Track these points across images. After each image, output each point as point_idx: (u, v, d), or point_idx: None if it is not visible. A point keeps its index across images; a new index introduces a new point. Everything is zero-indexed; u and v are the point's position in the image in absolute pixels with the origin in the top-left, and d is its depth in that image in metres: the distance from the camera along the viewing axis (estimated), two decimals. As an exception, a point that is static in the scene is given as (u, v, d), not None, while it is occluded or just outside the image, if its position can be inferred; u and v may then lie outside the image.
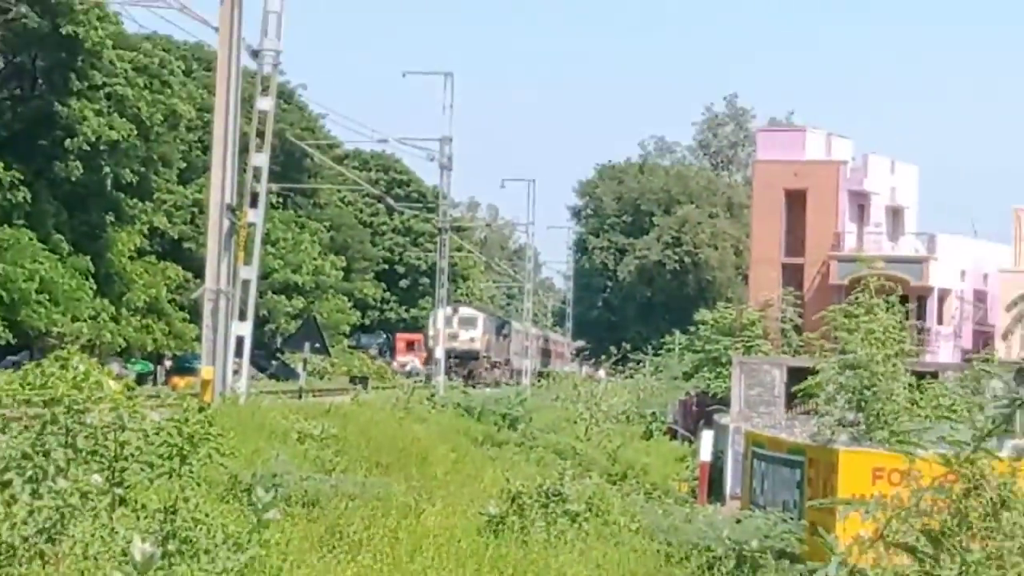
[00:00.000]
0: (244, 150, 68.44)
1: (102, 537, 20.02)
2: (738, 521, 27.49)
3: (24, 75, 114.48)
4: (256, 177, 67.65)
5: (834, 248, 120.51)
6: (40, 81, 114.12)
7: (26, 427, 24.81)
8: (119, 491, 23.10)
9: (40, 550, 20.30)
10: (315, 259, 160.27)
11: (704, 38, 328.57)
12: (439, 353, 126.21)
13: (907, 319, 54.28)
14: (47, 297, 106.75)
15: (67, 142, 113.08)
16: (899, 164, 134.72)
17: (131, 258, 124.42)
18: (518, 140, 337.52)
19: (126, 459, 23.64)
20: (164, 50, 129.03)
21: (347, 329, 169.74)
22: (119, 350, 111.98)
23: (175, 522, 22.04)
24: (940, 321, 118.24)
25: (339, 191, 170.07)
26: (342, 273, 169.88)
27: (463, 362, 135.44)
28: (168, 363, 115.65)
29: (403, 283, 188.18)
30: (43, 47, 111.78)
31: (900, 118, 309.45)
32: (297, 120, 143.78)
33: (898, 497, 22.96)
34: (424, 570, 20.22)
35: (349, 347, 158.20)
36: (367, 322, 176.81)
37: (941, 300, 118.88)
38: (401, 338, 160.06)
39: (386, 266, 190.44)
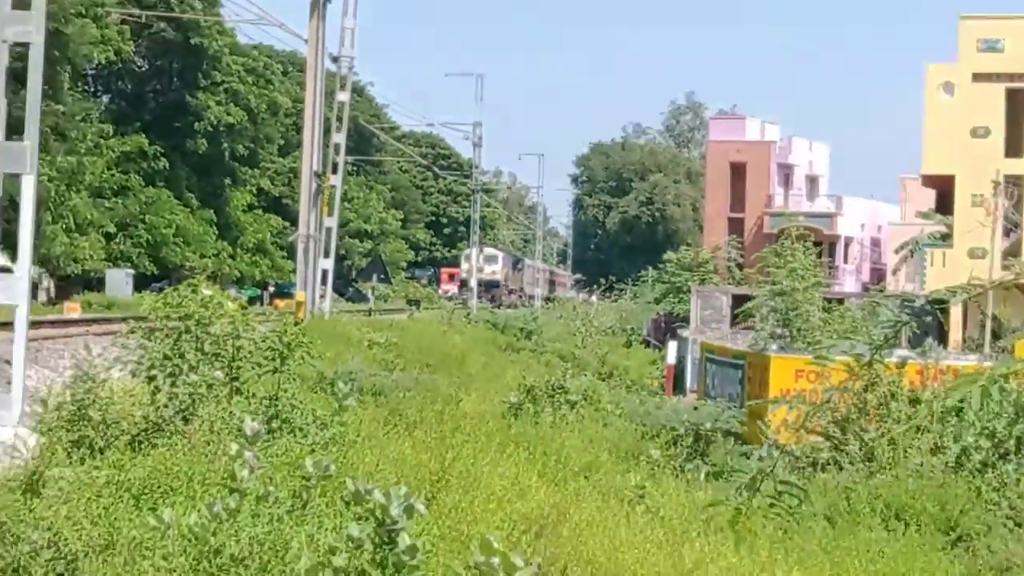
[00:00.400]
0: (327, 131, 68.53)
1: (222, 417, 20.06)
2: (695, 408, 27.51)
3: (163, 74, 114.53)
4: (336, 151, 68.00)
5: (766, 206, 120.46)
6: (175, 79, 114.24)
7: (166, 335, 24.80)
8: (235, 383, 23.20)
9: (177, 427, 20.43)
10: (380, 212, 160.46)
11: (670, 46, 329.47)
12: (472, 283, 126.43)
13: (820, 259, 54.13)
14: (181, 240, 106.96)
15: (195, 125, 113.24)
16: (815, 143, 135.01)
17: (244, 211, 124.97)
18: (532, 122, 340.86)
19: (240, 360, 23.69)
20: (267, 56, 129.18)
21: (404, 264, 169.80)
22: (235, 279, 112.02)
23: (277, 407, 22.12)
24: (845, 261, 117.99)
25: (398, 162, 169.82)
26: (400, 223, 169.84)
27: (487, 289, 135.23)
28: (272, 289, 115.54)
29: (446, 231, 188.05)
30: (177, 53, 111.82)
31: (818, 105, 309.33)
32: (366, 109, 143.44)
33: (814, 392, 22.98)
34: (462, 443, 20.20)
35: (406, 278, 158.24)
36: (419, 259, 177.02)
37: (846, 245, 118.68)
38: (444, 271, 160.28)
39: (433, 218, 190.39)
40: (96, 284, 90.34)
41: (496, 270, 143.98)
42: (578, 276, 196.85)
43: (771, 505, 18.87)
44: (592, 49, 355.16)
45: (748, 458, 21.28)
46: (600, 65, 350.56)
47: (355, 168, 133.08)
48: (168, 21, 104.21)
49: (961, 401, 20.33)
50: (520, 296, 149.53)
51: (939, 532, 16.96)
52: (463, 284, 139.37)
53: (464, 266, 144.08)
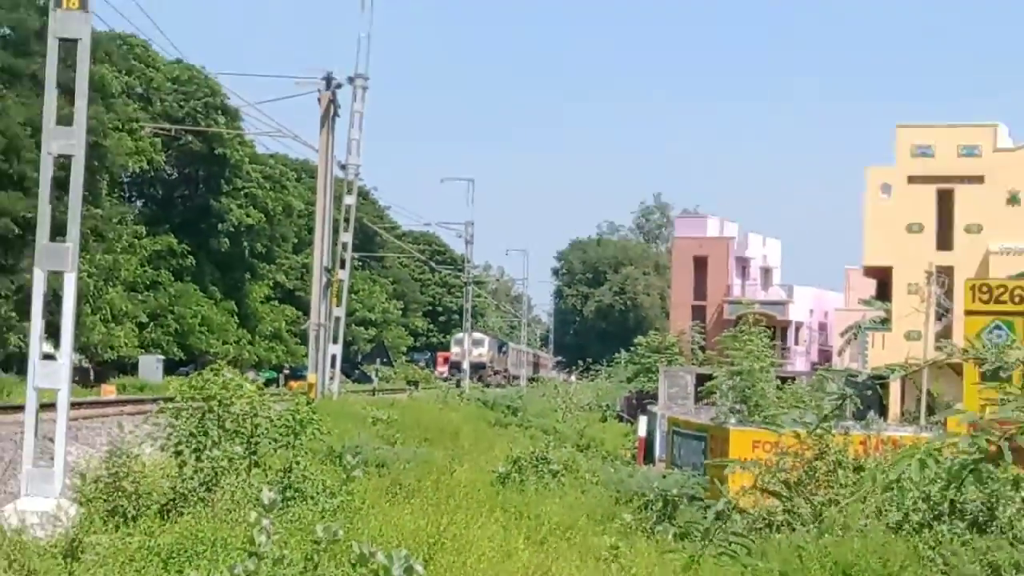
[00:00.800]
0: (336, 230, 68.73)
1: (242, 488, 20.06)
2: (664, 476, 27.48)
3: (190, 181, 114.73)
4: (344, 248, 68.19)
5: (725, 295, 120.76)
6: (200, 185, 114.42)
7: (192, 415, 24.78)
8: (254, 457, 23.19)
9: (202, 496, 20.42)
10: (383, 303, 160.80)
11: (641, 152, 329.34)
12: (465, 364, 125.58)
13: (773, 342, 54.15)
14: (206, 328, 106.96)
15: (219, 226, 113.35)
16: (768, 239, 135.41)
17: (261, 302, 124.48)
18: (519, 219, 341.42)
19: (258, 436, 23.74)
20: (283, 164, 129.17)
21: (404, 349, 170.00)
22: (254, 363, 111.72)
23: (291, 478, 22.14)
24: (796, 343, 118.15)
25: (398, 258, 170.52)
26: (401, 312, 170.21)
27: (475, 370, 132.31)
28: (286, 372, 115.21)
29: (441, 319, 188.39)
30: (202, 162, 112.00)
31: (772, 203, 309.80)
32: (370, 210, 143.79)
33: (769, 459, 22.99)
34: (455, 509, 20.21)
35: (406, 361, 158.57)
36: (418, 344, 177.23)
37: (797, 329, 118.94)
38: (440, 355, 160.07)
39: (430, 307, 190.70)
40: (130, 368, 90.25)
41: (482, 352, 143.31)
42: (559, 358, 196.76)
43: (721, 553, 18.87)
44: (571, 154, 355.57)
45: (714, 520, 21.29)
46: (578, 169, 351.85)
47: (360, 263, 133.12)
48: (195, 134, 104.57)
49: (902, 470, 20.40)
50: (505, 376, 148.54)
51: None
52: (454, 366, 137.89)
53: (455, 350, 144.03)
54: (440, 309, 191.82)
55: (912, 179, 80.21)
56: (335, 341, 67.63)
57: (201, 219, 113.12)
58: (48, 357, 19.65)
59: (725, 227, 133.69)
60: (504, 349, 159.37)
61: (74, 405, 25.71)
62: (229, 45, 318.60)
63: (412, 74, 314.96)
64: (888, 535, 18.98)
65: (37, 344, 19.81)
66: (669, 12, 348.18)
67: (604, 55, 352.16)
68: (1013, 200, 78.00)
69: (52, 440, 19.18)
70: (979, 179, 78.72)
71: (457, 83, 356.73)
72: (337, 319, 68.36)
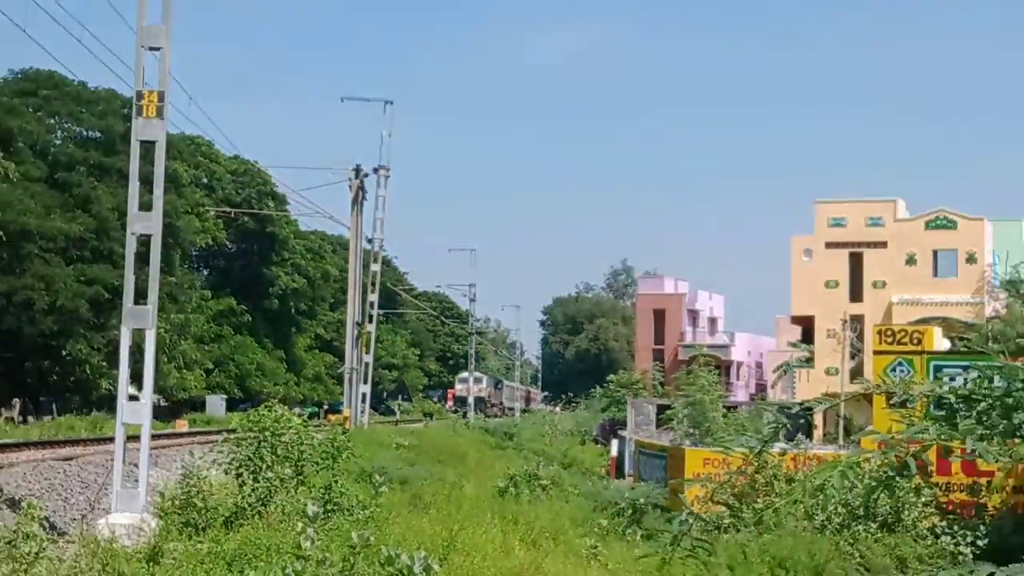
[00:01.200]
0: (364, 292, 68.73)
1: (291, 503, 20.01)
2: (632, 488, 27.40)
3: (246, 254, 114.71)
4: (371, 307, 68.25)
5: (680, 340, 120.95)
6: (255, 257, 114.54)
7: (249, 443, 24.70)
8: (300, 477, 23.13)
9: (258, 510, 20.38)
10: (403, 350, 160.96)
11: (610, 229, 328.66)
12: (471, 399, 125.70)
13: (719, 378, 54.08)
14: (260, 372, 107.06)
15: (270, 289, 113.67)
16: (714, 295, 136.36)
17: (305, 351, 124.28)
18: (513, 280, 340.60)
19: (304, 459, 23.65)
20: (321, 239, 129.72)
21: (421, 387, 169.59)
22: (299, 401, 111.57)
23: (331, 494, 22.04)
24: (737, 378, 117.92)
25: (415, 313, 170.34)
26: (417, 357, 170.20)
27: (476, 404, 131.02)
28: (325, 407, 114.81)
29: (451, 362, 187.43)
30: (256, 239, 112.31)
31: (719, 264, 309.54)
32: (392, 275, 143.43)
33: (718, 475, 22.91)
34: (464, 517, 20.14)
35: (422, 397, 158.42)
36: (431, 383, 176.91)
37: (738, 367, 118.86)
38: (450, 392, 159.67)
39: (441, 353, 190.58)
40: (199, 406, 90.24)
41: (482, 388, 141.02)
42: (546, 393, 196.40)
43: (687, 556, 18.78)
44: (554, 228, 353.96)
45: (671, 523, 21.22)
46: (560, 240, 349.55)
47: (384, 318, 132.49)
48: (250, 216, 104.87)
49: (825, 481, 20.33)
50: (501, 409, 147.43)
51: (812, 576, 16.95)
52: (460, 400, 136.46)
53: (459, 387, 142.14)
54: (449, 354, 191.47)
55: (829, 244, 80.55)
56: (365, 382, 67.84)
57: (256, 284, 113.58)
58: (133, 398, 19.65)
59: (679, 285, 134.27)
60: (500, 386, 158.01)
61: (154, 437, 25.73)
62: (277, 142, 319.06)
63: (427, 162, 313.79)
64: (815, 534, 18.97)
65: (124, 387, 19.83)
66: (627, 121, 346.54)
67: (580, 156, 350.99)
68: (910, 261, 78.32)
69: (136, 466, 19.16)
70: (883, 244, 79.15)
71: (463, 171, 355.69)
72: (366, 364, 68.58)
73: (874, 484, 20.06)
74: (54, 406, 74.36)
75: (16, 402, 69.12)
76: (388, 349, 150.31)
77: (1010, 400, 7.10)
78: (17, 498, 18.76)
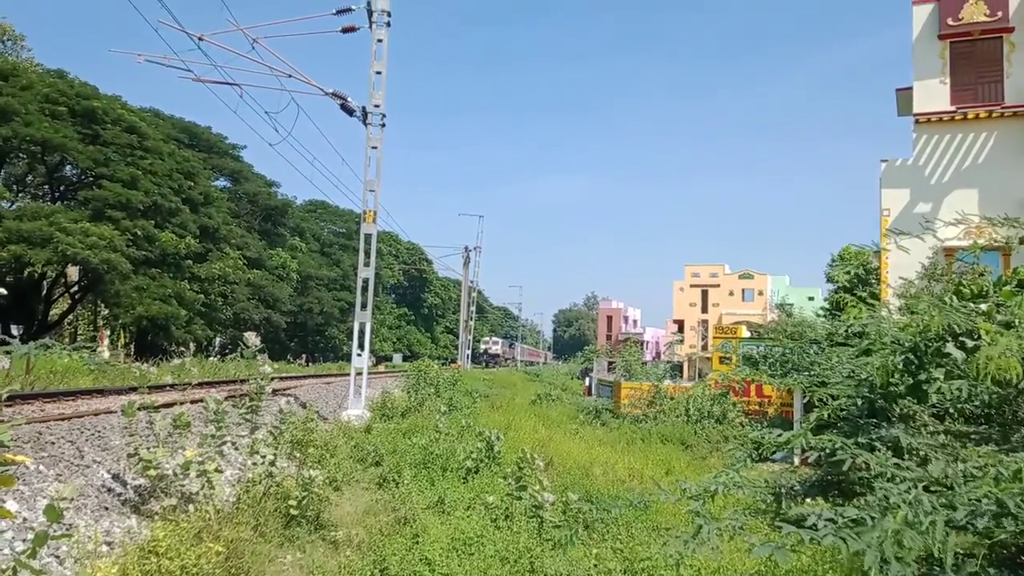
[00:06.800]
0: (469, 308, 68.49)
1: (433, 405, 20.04)
2: (594, 401, 27.20)
3: (413, 287, 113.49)
4: (470, 316, 67.54)
5: (619, 332, 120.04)
6: (417, 288, 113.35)
7: (413, 376, 24.80)
8: (438, 391, 22.95)
9: (417, 408, 20.27)
10: (485, 334, 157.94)
11: (588, 274, 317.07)
12: (517, 355, 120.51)
13: (638, 348, 53.86)
14: (418, 343, 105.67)
15: (423, 305, 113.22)
16: (635, 308, 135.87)
17: (441, 333, 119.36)
18: (540, 300, 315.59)
19: (439, 384, 23.53)
20: (452, 283, 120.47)
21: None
22: (437, 356, 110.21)
23: (452, 401, 21.85)
24: (646, 349, 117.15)
25: (493, 315, 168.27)
26: (492, 334, 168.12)
27: (491, 358, 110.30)
28: (450, 360, 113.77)
29: (503, 333, 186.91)
30: (416, 280, 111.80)
31: (638, 293, 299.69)
32: (482, 299, 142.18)
33: (636, 393, 22.67)
34: (515, 414, 20.04)
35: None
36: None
37: (646, 344, 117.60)
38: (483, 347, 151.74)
39: (506, 335, 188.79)
40: (389, 359, 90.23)
41: (497, 347, 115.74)
42: (554, 355, 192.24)
43: (624, 432, 18.39)
44: (560, 267, 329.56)
45: (615, 419, 20.97)
46: (573, 280, 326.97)
47: (477, 319, 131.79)
48: (414, 268, 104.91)
49: (688, 397, 20.16)
50: (513, 362, 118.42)
51: (680, 446, 16.71)
52: (491, 355, 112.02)
53: (482, 346, 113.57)
54: (512, 335, 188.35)
55: (692, 285, 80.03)
56: (468, 348, 67.59)
57: (417, 302, 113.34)
58: (359, 355, 19.66)
59: (618, 304, 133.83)
60: (513, 345, 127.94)
61: (368, 374, 25.86)
62: (422, 226, 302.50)
63: (504, 239, 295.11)
64: (685, 424, 18.75)
65: (355, 348, 19.82)
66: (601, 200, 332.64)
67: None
68: (731, 294, 77.83)
69: (360, 387, 19.16)
70: (717, 285, 78.83)
71: (518, 245, 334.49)
72: (470, 340, 68.39)
73: (712, 399, 19.87)
74: (321, 359, 74.84)
75: (304, 356, 69.76)
76: (479, 331, 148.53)
77: (784, 359, 7.19)
78: (304, 402, 18.81)
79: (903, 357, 4.49)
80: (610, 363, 46.50)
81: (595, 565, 6.96)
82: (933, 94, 21.05)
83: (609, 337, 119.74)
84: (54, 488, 7.77)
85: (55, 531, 6.68)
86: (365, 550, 7.94)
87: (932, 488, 3.93)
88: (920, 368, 4.50)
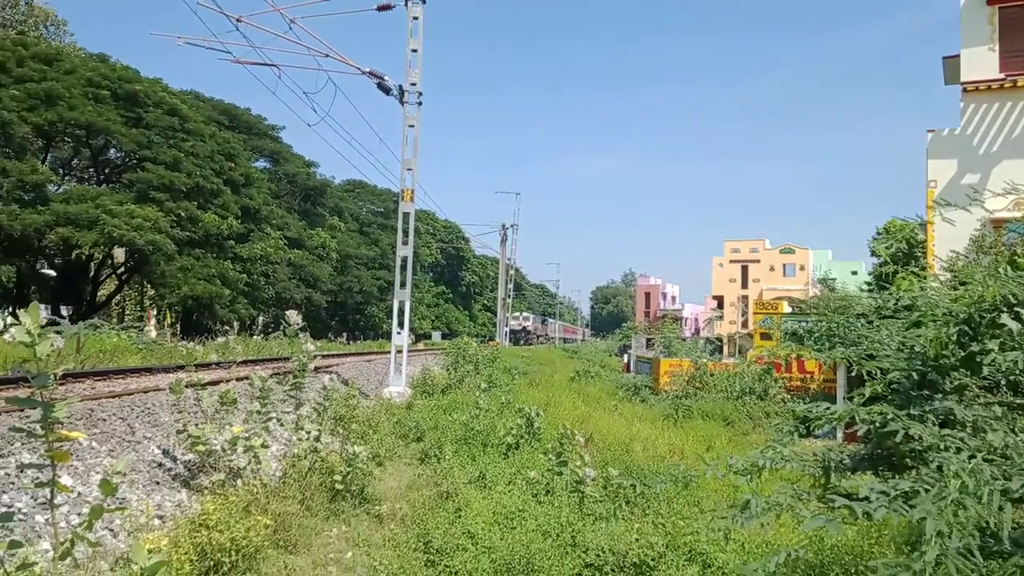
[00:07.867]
0: (507, 285, 68.49)
1: (473, 382, 20.15)
2: (634, 378, 27.09)
3: (451, 266, 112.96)
4: (509, 293, 67.63)
5: (657, 307, 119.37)
6: (455, 267, 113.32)
7: (452, 354, 24.84)
8: (477, 369, 23.00)
9: (457, 385, 20.50)
10: (523, 311, 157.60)
11: (623, 250, 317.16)
12: (553, 332, 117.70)
13: (677, 324, 53.33)
14: (457, 321, 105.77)
15: (461, 283, 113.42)
16: (674, 285, 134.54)
17: (479, 311, 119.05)
18: (581, 276, 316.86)
19: (479, 362, 23.55)
20: (490, 261, 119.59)
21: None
22: (475, 334, 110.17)
23: (492, 378, 21.88)
24: (686, 325, 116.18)
25: (531, 293, 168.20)
26: (531, 313, 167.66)
27: (523, 333, 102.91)
28: (488, 338, 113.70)
29: (545, 313, 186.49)
30: (454, 258, 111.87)
31: (678, 269, 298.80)
32: (519, 276, 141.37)
33: (677, 371, 22.55)
34: (554, 390, 20.05)
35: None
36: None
37: (685, 320, 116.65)
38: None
39: (544, 312, 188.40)
40: (429, 337, 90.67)
41: (528, 323, 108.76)
42: (592, 331, 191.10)
43: (668, 411, 18.32)
44: (600, 245, 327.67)
45: (655, 396, 20.88)
46: (607, 256, 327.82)
47: (515, 296, 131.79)
48: (454, 250, 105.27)
49: (733, 374, 20.00)
50: (545, 339, 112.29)
51: (722, 422, 16.61)
52: (519, 332, 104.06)
53: (512, 323, 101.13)
54: (549, 312, 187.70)
55: (731, 260, 79.24)
56: (506, 326, 67.81)
57: (454, 280, 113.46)
58: (399, 333, 19.79)
59: (656, 280, 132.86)
60: (545, 322, 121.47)
61: (408, 351, 26.09)
62: (459, 204, 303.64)
63: (541, 216, 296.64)
64: (728, 401, 18.62)
65: (395, 327, 19.97)
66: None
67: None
68: (772, 269, 76.99)
69: (400, 364, 19.30)
70: (758, 260, 78.09)
71: (556, 222, 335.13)
72: (506, 317, 68.56)
73: (756, 376, 19.70)
74: (361, 337, 75.59)
75: (344, 334, 70.39)
76: (516, 308, 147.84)
77: (831, 332, 7.10)
78: (346, 379, 19.00)
79: (957, 328, 4.39)
80: (648, 340, 46.22)
81: (636, 540, 6.94)
82: (981, 62, 20.39)
83: (647, 314, 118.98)
84: (107, 463, 7.97)
85: (109, 505, 6.85)
86: (409, 524, 8.04)
87: (987, 459, 3.86)
88: (974, 339, 4.40)
